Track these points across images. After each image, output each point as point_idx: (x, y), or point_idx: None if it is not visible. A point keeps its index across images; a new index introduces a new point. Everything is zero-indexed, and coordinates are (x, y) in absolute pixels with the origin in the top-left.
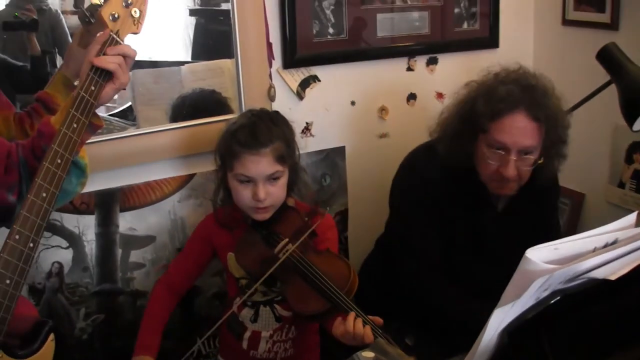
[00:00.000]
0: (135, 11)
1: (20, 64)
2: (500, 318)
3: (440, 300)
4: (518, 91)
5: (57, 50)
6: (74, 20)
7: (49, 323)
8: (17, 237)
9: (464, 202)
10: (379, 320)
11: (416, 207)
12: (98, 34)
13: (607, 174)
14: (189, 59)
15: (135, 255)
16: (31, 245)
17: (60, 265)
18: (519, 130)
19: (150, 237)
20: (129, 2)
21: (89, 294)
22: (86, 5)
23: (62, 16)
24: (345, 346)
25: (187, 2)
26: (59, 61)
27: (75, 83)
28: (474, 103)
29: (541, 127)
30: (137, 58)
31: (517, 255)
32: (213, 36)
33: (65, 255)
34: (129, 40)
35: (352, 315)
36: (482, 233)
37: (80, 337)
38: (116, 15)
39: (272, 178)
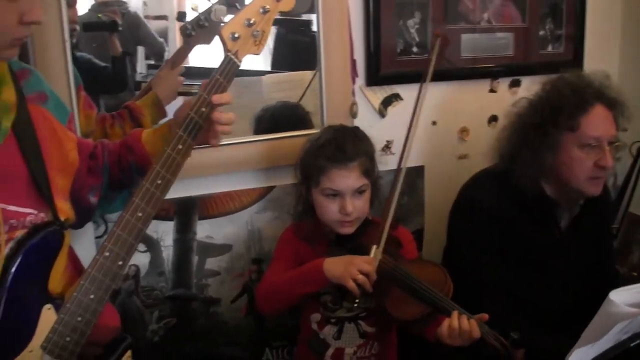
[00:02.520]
0: (257, 31)
1: (103, 64)
2: (580, 358)
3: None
4: (590, 85)
5: (138, 50)
6: (156, 25)
7: (128, 339)
8: (107, 254)
9: (528, 225)
10: (484, 316)
11: (480, 240)
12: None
13: None
14: (269, 69)
15: (210, 263)
16: (120, 263)
17: (137, 268)
18: (605, 120)
19: (227, 246)
20: (252, 21)
21: (163, 297)
22: (188, 18)
23: (142, 17)
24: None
25: None
26: (139, 64)
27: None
28: (556, 104)
29: (615, 116)
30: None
31: (582, 276)
32: (293, 46)
33: (142, 259)
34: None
35: (455, 313)
36: (547, 254)
37: (151, 339)
38: (236, 35)
39: (359, 192)
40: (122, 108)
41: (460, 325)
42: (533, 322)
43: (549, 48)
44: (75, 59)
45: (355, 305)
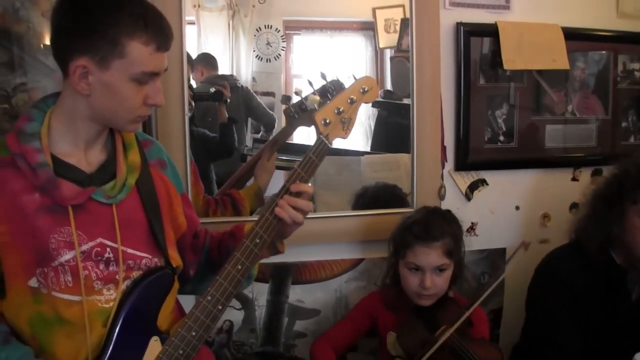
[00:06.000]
0: (345, 118)
1: (213, 134)
2: None
3: None
4: None
5: (250, 120)
6: (263, 101)
7: None
8: (209, 298)
9: (600, 295)
10: None
11: (557, 306)
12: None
13: None
14: (368, 150)
15: (299, 325)
16: (220, 307)
17: (231, 323)
18: None
19: (315, 310)
20: (341, 109)
21: (252, 353)
22: (292, 101)
23: (252, 92)
24: None
25: None
26: (247, 136)
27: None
28: (622, 180)
29: None
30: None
31: None
32: (393, 129)
33: (237, 316)
34: None
35: None
36: (618, 323)
37: None
38: (328, 121)
39: (439, 269)
40: (225, 195)
41: None
42: None
43: (631, 139)
44: (190, 133)
45: None
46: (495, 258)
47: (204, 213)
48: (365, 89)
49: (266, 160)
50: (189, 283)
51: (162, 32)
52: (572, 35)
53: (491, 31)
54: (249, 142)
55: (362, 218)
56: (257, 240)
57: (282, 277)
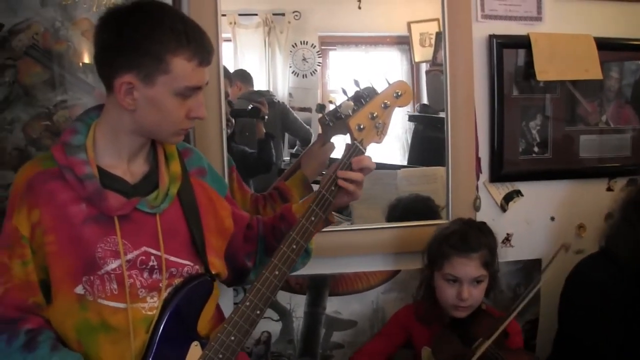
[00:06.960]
0: (379, 123)
1: (251, 150)
2: None
3: None
4: None
5: (287, 135)
6: (300, 116)
7: None
8: (248, 303)
9: (632, 301)
10: None
11: (590, 314)
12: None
13: None
14: (405, 163)
15: (336, 336)
16: (258, 312)
17: (269, 334)
18: None
19: (352, 322)
20: (375, 115)
21: None
22: (327, 110)
23: (288, 107)
24: None
25: (406, 108)
26: (284, 151)
27: (312, 182)
28: None
29: None
30: None
31: None
32: (429, 143)
33: (274, 327)
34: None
35: None
36: None
37: None
38: (362, 126)
39: (476, 281)
40: (272, 189)
41: None
42: None
43: None
44: (229, 149)
45: None
46: (531, 269)
47: (254, 211)
48: (399, 93)
49: (318, 147)
50: (253, 273)
51: (203, 48)
52: (606, 45)
53: (524, 43)
54: (286, 157)
55: (397, 230)
56: (294, 246)
57: (319, 289)
